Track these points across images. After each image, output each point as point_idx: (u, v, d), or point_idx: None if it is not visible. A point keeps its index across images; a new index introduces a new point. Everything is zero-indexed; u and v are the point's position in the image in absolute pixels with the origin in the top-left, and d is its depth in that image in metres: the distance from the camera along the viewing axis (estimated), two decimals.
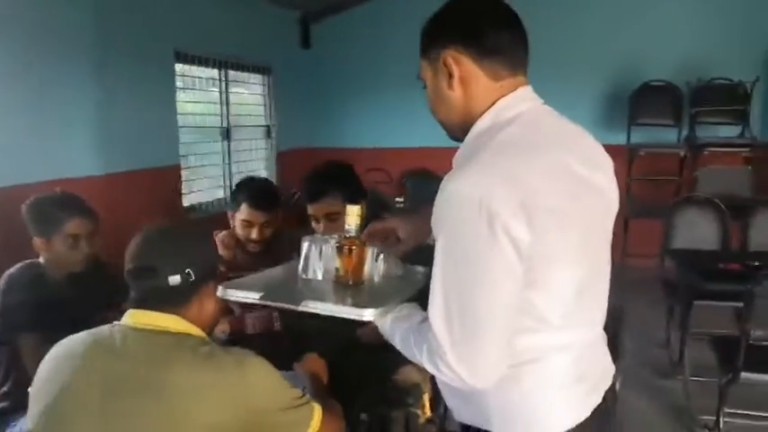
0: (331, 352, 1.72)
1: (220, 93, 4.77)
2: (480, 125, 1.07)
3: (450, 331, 0.98)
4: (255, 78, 5.36)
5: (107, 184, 3.40)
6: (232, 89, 4.90)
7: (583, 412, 1.10)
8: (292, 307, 1.30)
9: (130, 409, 1.06)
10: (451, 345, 0.98)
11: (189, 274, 1.17)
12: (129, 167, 3.59)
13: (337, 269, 1.46)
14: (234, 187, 2.29)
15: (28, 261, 1.88)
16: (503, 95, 1.07)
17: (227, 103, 4.84)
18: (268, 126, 5.58)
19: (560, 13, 5.40)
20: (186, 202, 4.30)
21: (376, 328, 1.65)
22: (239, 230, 2.17)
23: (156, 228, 1.25)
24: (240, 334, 1.99)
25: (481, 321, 0.97)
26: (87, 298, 1.96)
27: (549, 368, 1.07)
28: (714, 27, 4.94)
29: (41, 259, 1.89)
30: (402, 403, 1.74)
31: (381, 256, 1.53)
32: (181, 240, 1.24)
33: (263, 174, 5.54)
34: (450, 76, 1.08)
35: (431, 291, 1.03)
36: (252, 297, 1.33)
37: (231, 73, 4.87)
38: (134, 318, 1.18)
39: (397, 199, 5.27)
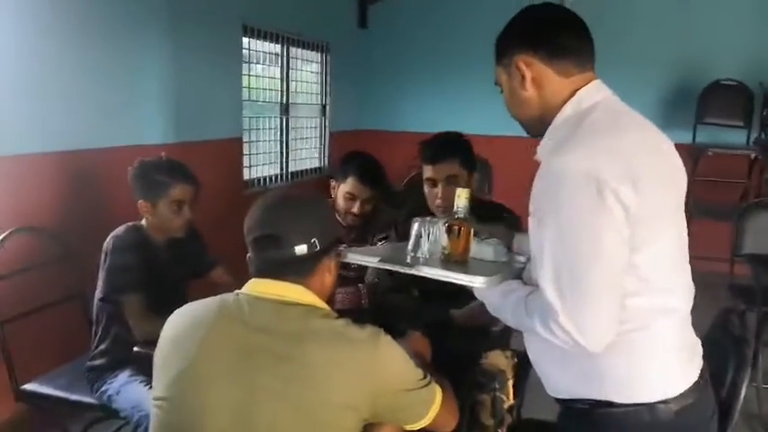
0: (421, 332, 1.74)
1: (281, 68, 4.78)
2: (563, 114, 1.18)
3: (562, 296, 1.05)
4: (314, 56, 5.37)
5: (175, 153, 3.44)
6: (292, 66, 4.92)
7: (689, 378, 1.16)
8: (408, 270, 1.42)
9: (265, 383, 1.05)
10: (563, 307, 1.05)
11: (314, 243, 1.14)
12: (196, 138, 3.63)
13: (444, 248, 1.51)
14: (342, 159, 2.30)
15: (131, 223, 1.92)
16: (577, 89, 1.18)
17: (288, 80, 4.86)
18: (323, 105, 5.59)
19: (629, 7, 5.28)
20: (246, 175, 4.34)
21: (469, 311, 1.66)
22: (341, 202, 2.18)
23: (279, 195, 1.22)
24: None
25: (592, 285, 1.04)
26: (183, 263, 2.01)
27: (657, 332, 1.13)
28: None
29: (144, 222, 1.93)
30: (489, 388, 1.74)
31: (488, 240, 1.57)
32: (306, 209, 1.20)
33: (315, 153, 5.57)
34: (523, 77, 1.20)
35: (539, 262, 1.11)
36: (371, 261, 1.48)
37: (292, 50, 4.88)
38: (259, 287, 1.15)
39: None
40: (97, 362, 1.91)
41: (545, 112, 1.20)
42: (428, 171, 1.96)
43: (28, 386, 2.01)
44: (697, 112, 4.84)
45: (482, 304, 1.40)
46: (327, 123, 5.65)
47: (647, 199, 1.06)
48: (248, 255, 1.19)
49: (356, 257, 1.48)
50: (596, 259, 1.04)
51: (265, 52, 4.55)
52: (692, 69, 5.00)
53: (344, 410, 1.06)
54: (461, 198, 1.50)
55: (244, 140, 4.27)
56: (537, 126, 1.24)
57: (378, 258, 1.46)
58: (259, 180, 4.54)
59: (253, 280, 1.17)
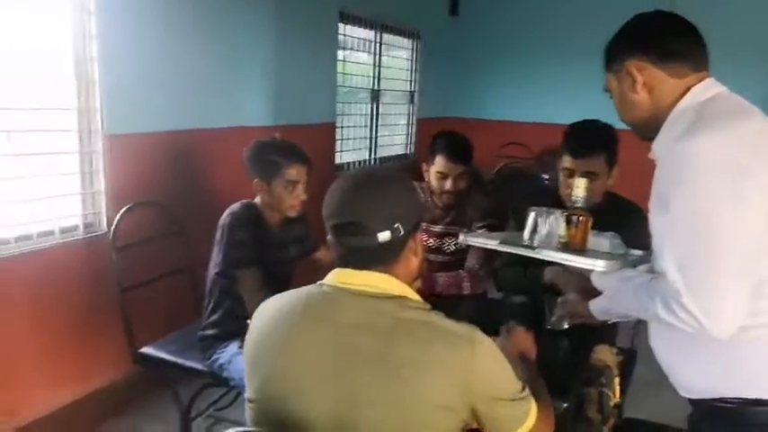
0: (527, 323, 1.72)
1: (374, 55, 4.82)
2: (678, 108, 1.19)
3: (686, 277, 1.04)
4: (405, 43, 5.37)
5: None
6: (384, 53, 4.95)
7: None
8: (529, 252, 1.45)
9: (362, 384, 1.00)
10: (687, 288, 1.04)
11: (398, 228, 1.07)
12: (294, 121, 3.73)
13: (561, 237, 1.49)
14: (431, 141, 2.30)
15: (246, 201, 2.00)
16: (690, 86, 1.20)
17: (380, 66, 4.89)
18: (412, 92, 5.59)
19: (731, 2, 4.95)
20: (337, 159, 4.42)
21: (581, 306, 1.63)
22: (434, 182, 2.20)
23: (357, 177, 1.13)
24: (429, 292, 2.03)
25: (722, 270, 1.03)
26: (293, 243, 2.07)
27: None
28: None
29: (258, 201, 2.01)
30: (597, 382, 1.70)
31: (605, 233, 1.54)
32: (386, 192, 1.10)
33: (402, 139, 5.58)
34: (634, 81, 1.23)
35: (662, 248, 1.11)
36: (491, 243, 1.52)
37: (385, 36, 4.90)
38: (345, 277, 1.09)
39: (543, 176, 5.11)
40: (209, 332, 2.01)
41: (658, 113, 1.23)
42: (568, 162, 1.89)
43: (145, 350, 2.15)
44: None
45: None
46: (415, 110, 5.65)
47: None
48: (328, 238, 1.13)
49: (476, 240, 1.53)
50: (728, 245, 1.03)
51: (359, 38, 4.59)
52: None
53: (441, 411, 1.01)
54: (580, 188, 1.49)
55: (336, 125, 4.34)
56: (649, 128, 1.26)
57: (498, 241, 1.48)
58: (349, 165, 4.62)
59: (337, 270, 1.11)
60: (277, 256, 1.99)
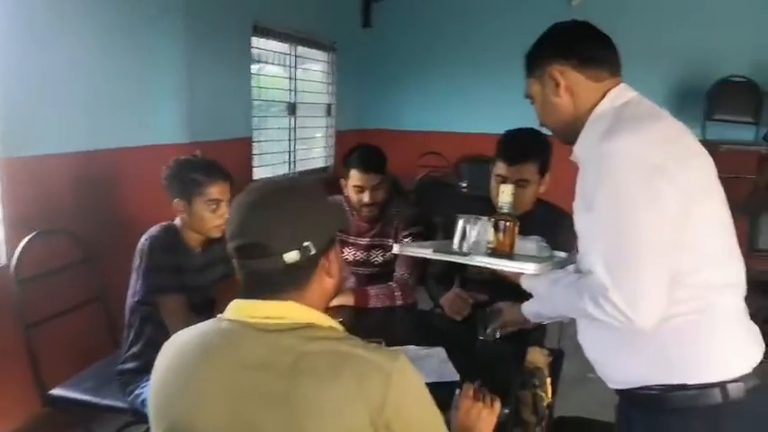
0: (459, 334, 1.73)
1: (289, 68, 4.76)
2: (598, 111, 1.26)
3: (611, 272, 1.09)
4: (321, 55, 5.34)
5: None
6: (299, 65, 4.90)
7: (755, 357, 1.18)
8: (462, 259, 1.48)
9: (262, 427, 0.89)
10: (613, 283, 1.09)
11: (308, 247, 0.95)
12: (208, 138, 3.60)
13: (489, 243, 1.51)
14: (344, 156, 2.28)
15: (165, 223, 1.89)
16: (608, 90, 1.27)
17: (296, 79, 4.84)
18: (329, 105, 5.57)
19: (637, 4, 5.30)
20: (256, 175, 4.32)
21: (514, 313, 1.67)
22: (352, 196, 2.19)
23: (260, 191, 0.99)
24: (363, 306, 2.00)
25: (642, 260, 1.08)
26: (216, 264, 1.98)
27: (722, 309, 1.17)
28: None
29: (178, 222, 1.91)
30: (530, 384, 1.73)
31: (530, 237, 1.58)
32: (292, 206, 0.98)
33: (322, 152, 5.54)
34: (557, 85, 1.29)
35: (588, 245, 1.18)
36: (425, 252, 1.55)
37: (300, 49, 4.86)
38: (247, 310, 0.97)
39: (461, 183, 5.23)
40: (129, 365, 1.88)
41: (578, 116, 1.29)
42: (501, 168, 1.92)
43: (55, 390, 1.98)
44: (706, 109, 4.86)
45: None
46: (333, 123, 5.63)
47: (696, 174, 1.16)
48: (233, 261, 1.00)
49: (411, 250, 1.55)
50: (647, 240, 1.09)
51: (274, 51, 4.52)
52: (701, 66, 5.01)
53: None
54: (506, 194, 1.52)
55: (253, 140, 4.24)
56: (570, 131, 1.32)
57: (431, 249, 1.49)
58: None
59: (237, 301, 0.98)
60: (199, 280, 1.90)
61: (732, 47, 4.91)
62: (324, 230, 1.00)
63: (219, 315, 1.00)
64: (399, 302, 2.04)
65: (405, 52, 6.25)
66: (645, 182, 1.09)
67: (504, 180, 1.88)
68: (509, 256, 1.49)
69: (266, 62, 4.45)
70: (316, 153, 5.48)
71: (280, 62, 4.65)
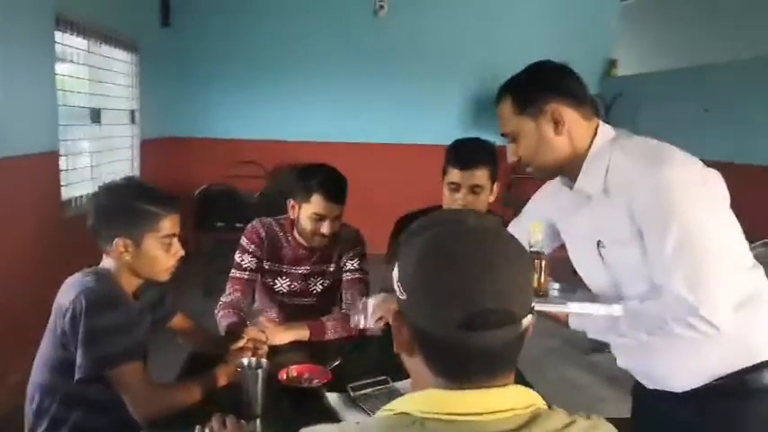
0: None
1: (91, 69, 4.10)
2: (595, 148, 1.32)
3: (695, 292, 1.15)
4: (123, 56, 4.70)
5: None
6: (102, 65, 4.25)
7: None
8: (563, 309, 1.33)
9: None
10: (699, 301, 1.14)
11: (533, 309, 0.77)
12: (6, 153, 2.90)
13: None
14: (299, 174, 1.99)
15: (92, 269, 1.46)
16: (596, 127, 1.33)
17: (98, 82, 4.18)
18: (133, 111, 4.94)
19: (438, 14, 5.75)
20: (65, 195, 3.63)
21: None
22: (306, 224, 1.94)
23: (491, 240, 0.77)
24: (318, 339, 1.82)
25: (719, 276, 1.16)
26: (149, 310, 1.61)
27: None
28: (559, 43, 5.68)
29: (110, 266, 1.48)
30: None
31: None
32: (523, 260, 0.80)
33: (125, 165, 4.88)
34: (556, 124, 1.30)
35: (663, 269, 1.19)
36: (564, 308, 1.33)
37: (103, 48, 4.21)
38: (487, 402, 0.75)
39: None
40: None
41: (577, 154, 1.32)
42: (454, 176, 1.85)
43: None
44: None
45: None
46: (138, 131, 5.01)
47: (717, 185, 1.26)
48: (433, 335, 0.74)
49: (549, 307, 1.34)
50: (722, 253, 1.18)
51: (77, 48, 3.85)
52: (501, 79, 5.62)
53: None
54: (536, 233, 1.40)
55: (60, 154, 3.55)
56: (564, 168, 1.35)
57: (566, 302, 1.34)
58: (77, 199, 3.83)
59: (441, 393, 0.74)
60: (137, 334, 1.51)
61: (526, 60, 5.62)
62: None
63: (402, 410, 0.74)
64: (355, 331, 1.89)
65: (210, 55, 5.86)
66: (704, 200, 1.19)
67: (457, 188, 1.85)
68: (546, 294, 1.40)
69: (71, 61, 3.77)
70: (119, 166, 4.79)
71: (85, 61, 3.98)
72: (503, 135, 1.40)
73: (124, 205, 1.46)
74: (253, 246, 2.02)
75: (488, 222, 0.80)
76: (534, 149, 1.34)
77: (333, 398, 1.50)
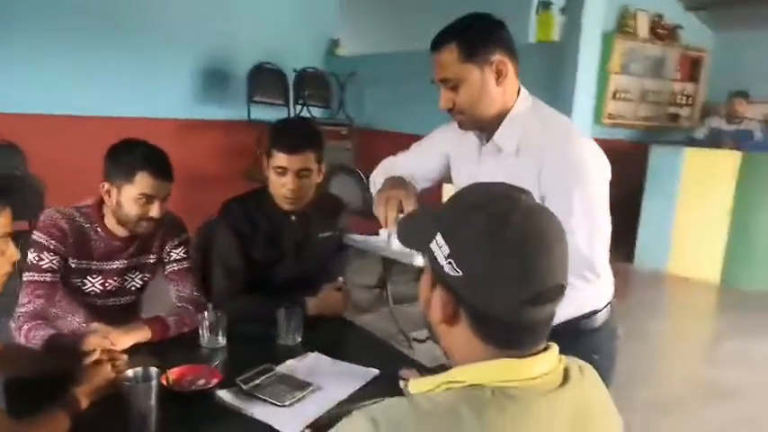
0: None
1: None
2: (518, 108, 1.39)
3: (594, 250, 1.36)
4: None
5: None
6: None
7: None
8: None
9: None
10: (595, 257, 1.37)
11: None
12: None
13: None
14: (114, 152, 1.65)
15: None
16: (519, 87, 1.40)
17: None
18: None
19: None
20: None
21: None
22: (131, 209, 1.64)
23: (549, 218, 0.83)
24: (162, 338, 1.61)
25: (605, 237, 1.39)
26: None
27: None
28: (287, 20, 5.81)
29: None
30: None
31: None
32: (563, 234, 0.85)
33: None
34: (499, 75, 1.34)
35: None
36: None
37: None
38: (520, 371, 0.82)
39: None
40: None
41: (503, 108, 1.38)
42: (281, 160, 1.76)
43: None
44: (248, 92, 5.39)
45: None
46: None
47: None
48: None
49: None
50: (606, 216, 1.39)
51: None
52: (236, 54, 5.51)
53: None
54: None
55: None
56: (494, 122, 1.38)
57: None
58: None
59: (529, 359, 0.79)
60: None
61: (262, 38, 5.59)
62: None
63: (474, 382, 0.77)
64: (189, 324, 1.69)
65: None
66: (600, 176, 1.37)
67: (284, 171, 1.79)
68: None
69: None
70: None
71: None
72: (441, 81, 1.37)
73: None
74: (54, 241, 1.64)
75: (532, 197, 0.83)
76: (476, 98, 1.35)
77: (226, 395, 1.37)
